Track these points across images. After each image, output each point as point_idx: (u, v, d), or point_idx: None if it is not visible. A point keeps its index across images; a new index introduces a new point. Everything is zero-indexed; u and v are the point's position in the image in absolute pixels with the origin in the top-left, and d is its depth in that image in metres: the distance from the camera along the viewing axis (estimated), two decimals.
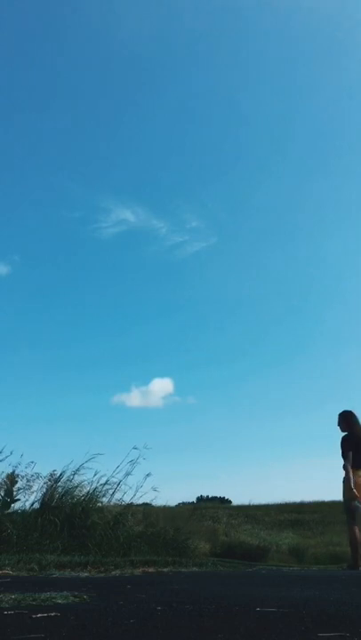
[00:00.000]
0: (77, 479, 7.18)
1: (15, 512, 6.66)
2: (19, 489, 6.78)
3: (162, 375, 44.75)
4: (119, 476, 7.33)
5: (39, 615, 2.06)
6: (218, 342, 43.26)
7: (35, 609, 2.21)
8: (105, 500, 7.28)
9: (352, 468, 5.71)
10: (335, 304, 44.25)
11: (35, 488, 6.96)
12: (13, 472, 6.80)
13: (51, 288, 40.67)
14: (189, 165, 43.21)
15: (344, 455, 5.78)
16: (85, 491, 7.14)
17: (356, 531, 5.71)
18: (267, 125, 42.19)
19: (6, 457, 6.83)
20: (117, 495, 7.38)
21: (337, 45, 39.14)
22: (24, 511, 6.77)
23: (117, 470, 7.33)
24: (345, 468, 5.74)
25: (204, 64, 39.95)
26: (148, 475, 7.35)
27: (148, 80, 40.06)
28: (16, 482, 6.74)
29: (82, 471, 7.19)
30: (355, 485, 5.68)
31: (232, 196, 43.40)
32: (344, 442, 5.87)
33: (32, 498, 6.94)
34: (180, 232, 42.54)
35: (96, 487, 7.21)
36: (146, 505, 8.09)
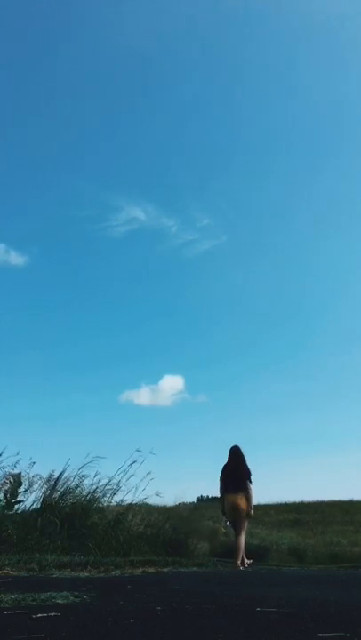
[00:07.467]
0: (78, 480, 7.17)
1: (15, 512, 6.64)
2: (25, 490, 6.76)
3: (173, 372, 44.64)
4: (121, 477, 7.34)
5: (39, 615, 2.06)
6: (227, 340, 43.06)
7: (35, 609, 2.20)
8: (105, 500, 7.28)
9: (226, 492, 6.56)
10: (339, 304, 44.13)
11: (35, 488, 6.95)
12: (19, 473, 6.77)
13: (63, 284, 40.64)
14: (200, 163, 43.07)
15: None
16: (86, 491, 7.14)
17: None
18: (274, 124, 42.12)
19: (7, 457, 6.82)
20: (119, 496, 7.40)
21: (339, 44, 39.10)
22: (24, 511, 6.76)
23: (119, 472, 7.35)
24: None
25: (210, 62, 39.90)
26: (147, 474, 7.37)
27: (156, 78, 40.03)
28: (21, 483, 6.72)
29: (83, 472, 7.19)
30: (231, 506, 6.50)
31: (242, 194, 43.24)
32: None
33: (32, 498, 6.93)
34: (191, 230, 42.32)
35: (97, 488, 7.22)
36: (146, 505, 8.08)
